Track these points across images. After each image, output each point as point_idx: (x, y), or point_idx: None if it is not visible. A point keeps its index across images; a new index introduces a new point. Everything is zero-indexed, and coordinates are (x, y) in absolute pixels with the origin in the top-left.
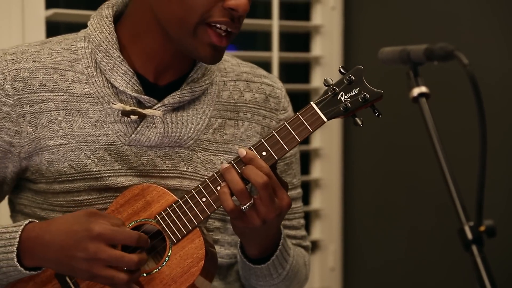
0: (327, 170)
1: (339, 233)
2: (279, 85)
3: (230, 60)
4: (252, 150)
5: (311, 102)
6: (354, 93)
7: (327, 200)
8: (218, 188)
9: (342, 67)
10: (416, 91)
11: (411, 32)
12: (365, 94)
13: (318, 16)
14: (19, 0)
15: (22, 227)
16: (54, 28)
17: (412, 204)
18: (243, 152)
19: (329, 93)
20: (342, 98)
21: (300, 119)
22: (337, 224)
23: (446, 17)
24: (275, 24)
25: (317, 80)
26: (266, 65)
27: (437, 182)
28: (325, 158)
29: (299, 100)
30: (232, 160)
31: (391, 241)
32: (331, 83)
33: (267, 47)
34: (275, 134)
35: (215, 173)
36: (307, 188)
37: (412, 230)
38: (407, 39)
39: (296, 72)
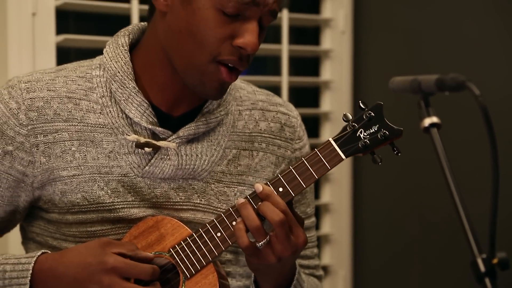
0: (337, 195)
1: (349, 259)
2: (294, 113)
3: (246, 87)
4: (269, 186)
5: (330, 139)
6: (373, 130)
7: (337, 225)
8: (233, 223)
9: (361, 102)
10: (427, 121)
11: (420, 57)
12: (385, 132)
13: (327, 41)
14: (30, 26)
15: (35, 258)
16: (64, 54)
17: (423, 232)
18: (259, 187)
19: (348, 130)
20: (361, 135)
21: (318, 155)
22: (347, 249)
23: (456, 45)
24: (284, 48)
25: (326, 105)
26: (275, 90)
27: (449, 212)
28: (335, 182)
29: (308, 125)
30: (248, 195)
31: (401, 268)
32: (350, 118)
33: (277, 72)
34: (293, 170)
35: (231, 207)
36: (317, 213)
37: (423, 258)
38: (416, 64)
39: (305, 97)
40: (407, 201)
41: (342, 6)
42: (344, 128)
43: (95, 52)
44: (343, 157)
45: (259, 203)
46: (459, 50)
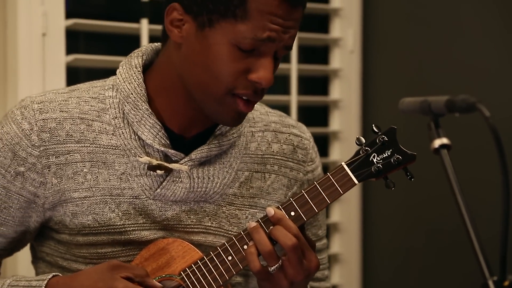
0: (347, 214)
1: (358, 278)
2: (307, 135)
3: (259, 108)
4: (281, 210)
5: (343, 163)
6: (386, 154)
7: (346, 244)
8: (245, 247)
9: (375, 126)
10: (437, 142)
11: (429, 77)
12: (398, 157)
13: (336, 60)
14: (40, 46)
15: (45, 281)
16: (74, 74)
17: (433, 252)
18: (271, 211)
19: (361, 154)
20: (374, 160)
21: (331, 180)
22: (356, 269)
23: (466, 65)
24: (293, 67)
25: (335, 124)
26: (284, 108)
27: (459, 233)
28: (344, 201)
29: (317, 144)
30: (260, 219)
31: (411, 287)
32: (363, 142)
33: (286, 91)
34: (305, 194)
35: (242, 231)
36: (326, 232)
37: (433, 278)
38: (425, 84)
39: (314, 116)
40: (416, 220)
41: (351, 25)
42: (357, 152)
43: (104, 71)
44: (356, 182)
45: (271, 227)
46: (469, 70)
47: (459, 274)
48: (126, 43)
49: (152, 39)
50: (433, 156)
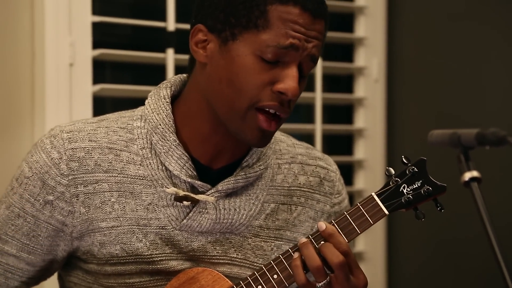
0: (371, 243)
1: None
2: (333, 167)
3: (286, 140)
4: (334, 225)
5: (373, 194)
6: (416, 185)
7: (371, 274)
8: (275, 276)
9: (404, 157)
10: (467, 175)
11: (454, 107)
12: (428, 188)
13: (361, 89)
14: (67, 76)
15: None
16: (100, 103)
17: (459, 285)
18: (322, 225)
19: (391, 185)
20: (405, 191)
21: (361, 210)
22: None
23: (491, 95)
24: (318, 96)
25: (360, 153)
26: (309, 137)
27: (487, 266)
28: (369, 231)
29: (342, 172)
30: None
31: None
32: (393, 173)
33: (310, 119)
34: (335, 224)
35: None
36: None
37: None
38: (450, 114)
39: (339, 144)
40: (442, 251)
41: (375, 54)
42: (387, 183)
43: (130, 101)
44: (386, 212)
45: (321, 243)
46: (495, 101)
47: None
48: (152, 73)
49: (177, 68)
50: (456, 187)
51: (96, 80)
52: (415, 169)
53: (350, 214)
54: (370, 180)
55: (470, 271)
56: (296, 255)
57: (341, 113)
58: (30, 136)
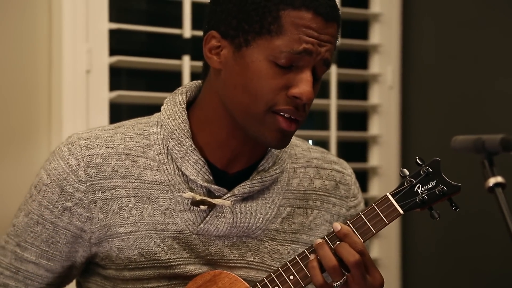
0: (386, 250)
1: None
2: (349, 171)
3: (301, 145)
4: (349, 225)
5: (387, 194)
6: (431, 185)
7: (386, 280)
8: (291, 277)
9: (418, 158)
10: (492, 181)
11: (469, 114)
12: (443, 187)
13: (375, 96)
14: (84, 83)
15: None
16: (116, 110)
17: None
18: (337, 226)
19: (406, 185)
20: (419, 190)
21: (376, 210)
22: None
23: (508, 100)
24: (333, 103)
25: (374, 159)
26: (324, 144)
27: (503, 267)
28: (383, 237)
29: (356, 179)
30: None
31: None
32: (407, 174)
33: (324, 126)
34: (350, 224)
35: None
36: None
37: None
38: (464, 120)
39: (353, 151)
40: (457, 257)
41: (390, 61)
42: (401, 183)
43: (147, 108)
44: (401, 211)
45: (337, 243)
46: (510, 105)
47: None
48: (168, 80)
49: (193, 75)
50: (474, 190)
51: (113, 87)
52: (430, 169)
53: (365, 214)
54: (385, 187)
55: (485, 275)
56: (312, 256)
57: (356, 120)
58: (47, 143)
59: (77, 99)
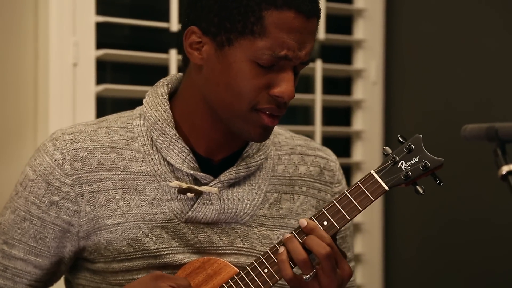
0: (369, 245)
1: None
2: (332, 157)
3: (284, 133)
4: (314, 220)
5: (372, 171)
6: (414, 161)
7: (369, 276)
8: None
9: (400, 136)
10: (505, 169)
11: (452, 107)
12: (426, 162)
13: (359, 91)
14: (71, 75)
15: None
16: (101, 104)
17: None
18: (304, 222)
19: (389, 162)
20: (403, 167)
21: (361, 187)
22: None
23: (489, 94)
24: (318, 98)
25: (358, 154)
26: None
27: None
28: (366, 233)
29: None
30: (294, 230)
31: None
32: (390, 152)
33: (307, 121)
34: (336, 203)
35: (277, 243)
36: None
37: None
38: (448, 115)
39: (337, 146)
40: (440, 253)
41: (374, 57)
42: (385, 161)
43: (133, 102)
44: (386, 188)
45: (305, 237)
46: (494, 103)
47: None
48: (154, 74)
49: (180, 69)
50: (453, 181)
51: (99, 80)
52: (412, 146)
53: (351, 192)
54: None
55: (468, 272)
56: (281, 249)
57: (340, 115)
58: (33, 136)
59: (64, 92)
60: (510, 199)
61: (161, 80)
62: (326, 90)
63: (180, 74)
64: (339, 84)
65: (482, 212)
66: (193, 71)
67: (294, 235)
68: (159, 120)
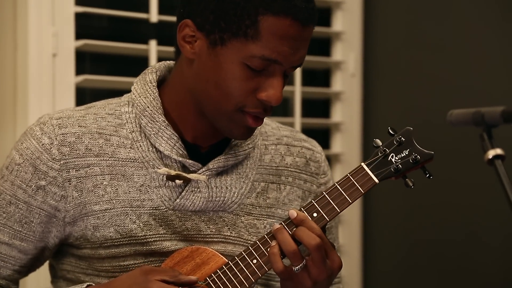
0: (348, 236)
1: None
2: (318, 149)
3: (270, 123)
4: (303, 212)
5: (362, 164)
6: (404, 154)
7: (348, 267)
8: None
9: (391, 128)
10: (491, 153)
11: (430, 99)
12: (416, 155)
13: (338, 83)
14: (50, 66)
15: None
16: (81, 94)
17: (438, 275)
18: (293, 213)
19: (380, 154)
20: (393, 159)
21: (351, 180)
22: None
23: (468, 86)
24: (297, 90)
25: (337, 146)
26: None
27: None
28: (345, 224)
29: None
30: (283, 222)
31: None
32: (381, 144)
33: (286, 113)
34: (326, 195)
35: (266, 234)
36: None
37: None
38: (425, 106)
39: (316, 138)
40: (419, 243)
41: (352, 49)
42: (375, 153)
43: (113, 92)
44: (376, 180)
45: (294, 229)
46: (471, 90)
47: None
48: (133, 65)
49: (160, 60)
50: (435, 175)
51: (79, 71)
52: (402, 139)
53: (341, 184)
54: (347, 173)
55: (447, 264)
56: (273, 242)
57: (318, 107)
58: (12, 126)
59: (43, 83)
60: (488, 193)
61: (149, 67)
62: (305, 82)
63: (168, 62)
64: (318, 76)
65: (462, 202)
66: (184, 63)
67: (284, 226)
68: (148, 107)
